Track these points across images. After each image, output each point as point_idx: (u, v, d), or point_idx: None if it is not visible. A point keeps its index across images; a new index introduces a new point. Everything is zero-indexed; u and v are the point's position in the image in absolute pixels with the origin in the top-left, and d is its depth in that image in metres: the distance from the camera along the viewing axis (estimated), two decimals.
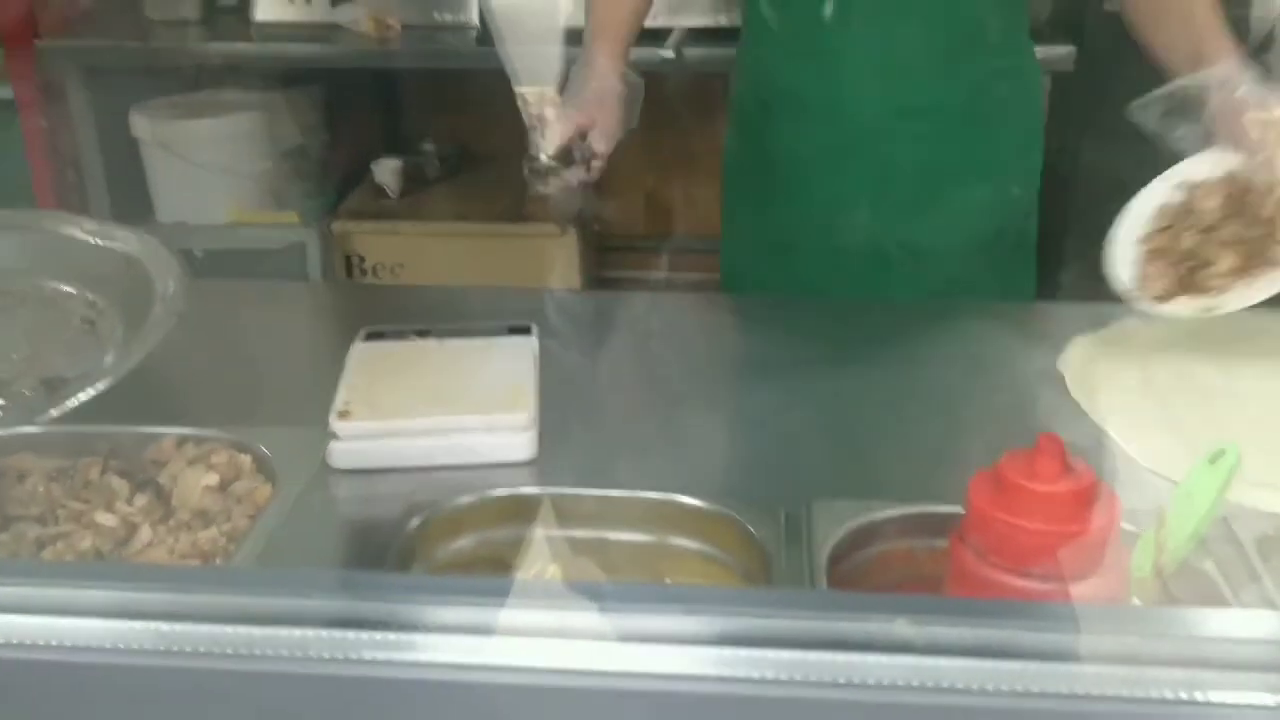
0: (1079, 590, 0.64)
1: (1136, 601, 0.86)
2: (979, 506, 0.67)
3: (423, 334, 1.26)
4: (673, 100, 3.65)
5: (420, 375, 1.19)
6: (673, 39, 2.85)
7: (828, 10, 1.47)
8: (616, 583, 1.01)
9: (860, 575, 0.96)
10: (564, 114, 1.43)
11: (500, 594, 0.64)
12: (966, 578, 0.67)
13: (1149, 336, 1.36)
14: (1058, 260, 2.97)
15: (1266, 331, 1.35)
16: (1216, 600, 0.92)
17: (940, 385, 1.31)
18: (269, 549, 0.94)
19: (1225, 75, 1.32)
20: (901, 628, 0.49)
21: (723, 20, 2.94)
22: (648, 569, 1.07)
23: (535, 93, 1.38)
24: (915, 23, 1.46)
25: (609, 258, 3.76)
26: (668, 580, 1.06)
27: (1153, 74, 1.49)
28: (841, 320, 1.49)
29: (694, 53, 2.84)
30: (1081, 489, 0.65)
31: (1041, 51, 1.68)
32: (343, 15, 2.99)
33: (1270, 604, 0.91)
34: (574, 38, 1.54)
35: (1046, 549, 0.64)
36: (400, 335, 1.26)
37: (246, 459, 1.07)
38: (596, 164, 1.46)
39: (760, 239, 1.64)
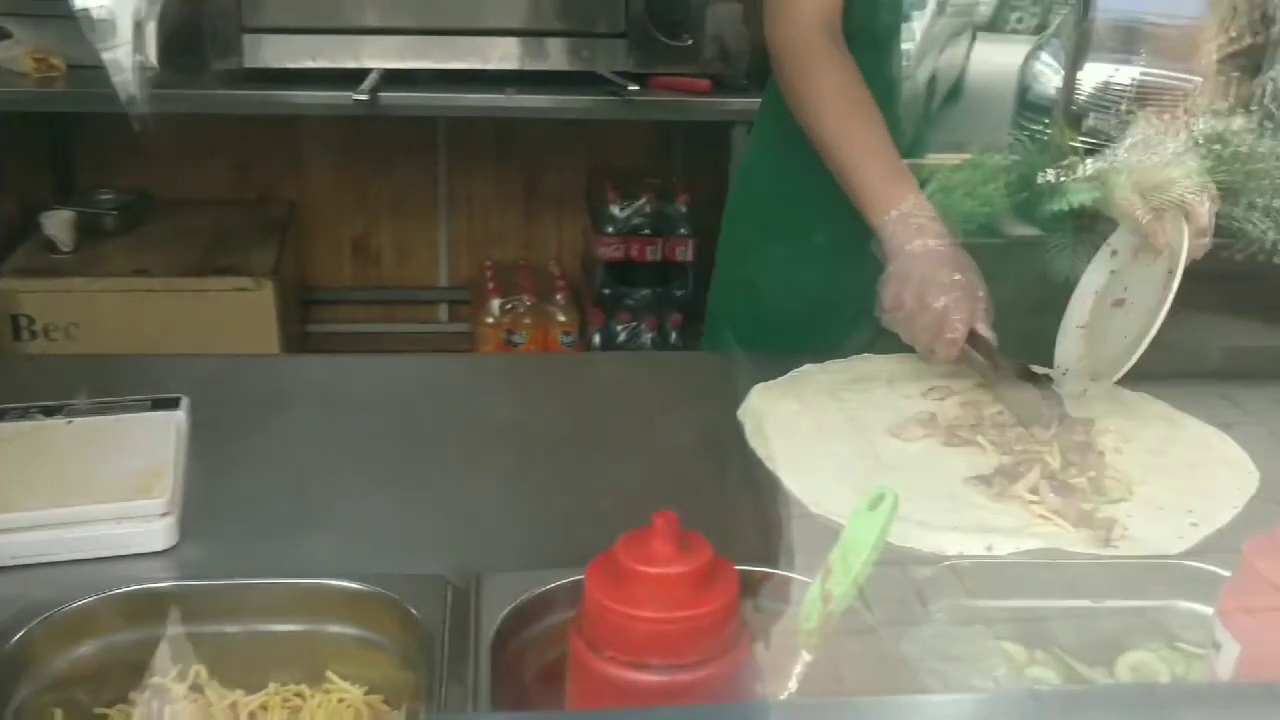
0: (700, 676, 0.60)
1: (807, 656, 0.84)
2: (592, 595, 0.62)
3: (49, 412, 1.13)
4: (377, 144, 3.56)
5: (42, 460, 1.06)
6: (368, 82, 2.77)
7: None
8: None
9: (529, 653, 0.91)
10: (949, 322, 1.28)
11: None
12: (584, 674, 0.63)
13: (826, 382, 1.38)
14: None
15: (930, 373, 1.39)
16: (881, 649, 0.92)
17: (621, 439, 1.28)
18: None
19: None
20: None
21: (422, 63, 2.88)
22: (305, 661, 0.98)
23: None
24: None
25: (313, 311, 3.61)
26: (329, 673, 0.98)
27: None
28: (527, 374, 1.44)
29: (389, 96, 2.76)
30: (697, 569, 0.61)
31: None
32: None
33: (931, 650, 0.91)
34: None
35: (662, 638, 0.60)
36: (22, 415, 1.12)
37: None
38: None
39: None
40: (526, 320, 3.37)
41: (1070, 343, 1.36)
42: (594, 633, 0.63)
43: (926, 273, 1.32)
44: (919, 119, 1.79)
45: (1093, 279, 1.37)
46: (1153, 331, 1.23)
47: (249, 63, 2.77)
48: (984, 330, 1.31)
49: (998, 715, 0.78)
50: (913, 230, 1.35)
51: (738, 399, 1.33)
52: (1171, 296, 1.24)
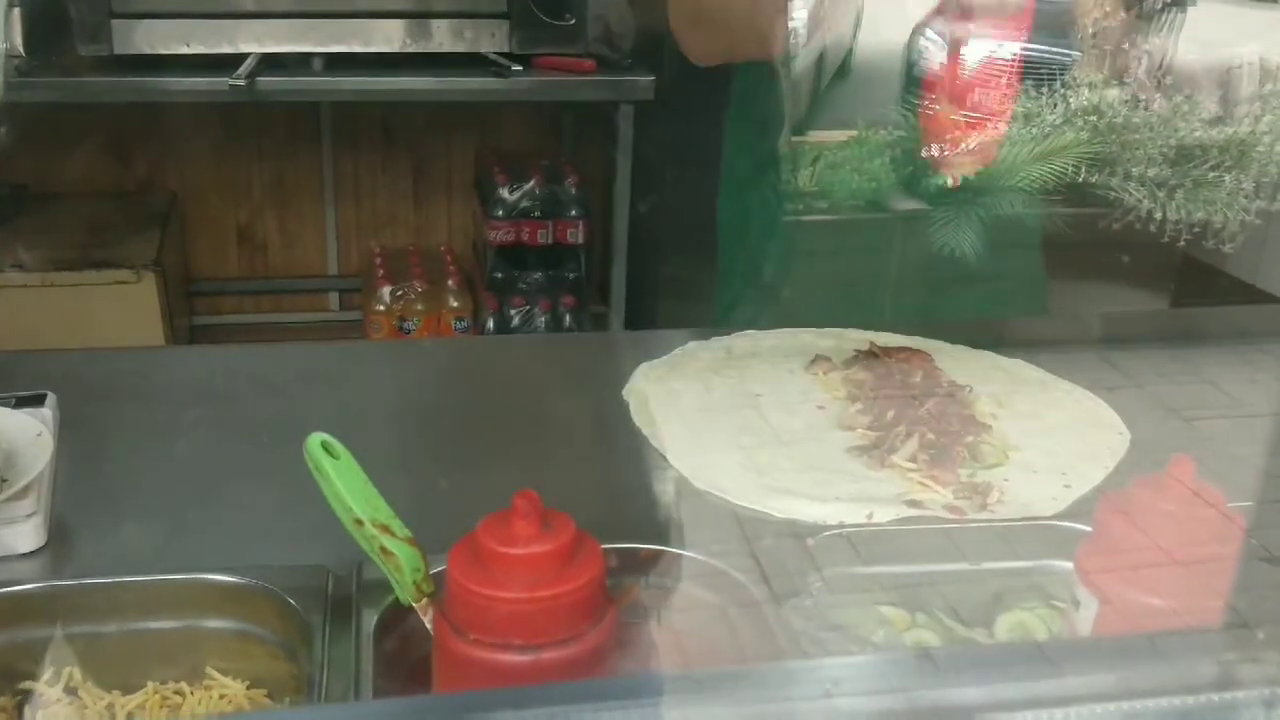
0: (565, 654, 0.60)
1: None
2: (454, 578, 0.62)
3: None
4: (260, 131, 3.48)
5: None
6: (244, 67, 2.70)
7: None
8: None
9: (412, 641, 0.89)
10: None
11: None
12: (449, 657, 0.63)
13: (709, 359, 1.39)
14: (653, 283, 3.06)
15: (814, 346, 1.41)
16: (763, 620, 0.93)
17: (508, 422, 1.28)
18: None
19: None
20: None
21: (301, 47, 2.82)
22: (184, 658, 0.96)
23: None
24: None
25: (199, 303, 3.53)
26: (208, 669, 0.96)
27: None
28: (411, 360, 1.43)
29: (267, 81, 2.70)
30: (558, 547, 0.61)
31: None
32: None
33: (813, 619, 0.93)
34: None
35: (524, 618, 0.60)
36: None
37: None
38: None
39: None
40: (419, 306, 3.33)
41: None
42: (458, 615, 0.63)
43: None
44: (807, 96, 1.81)
45: None
46: None
47: (119, 49, 2.69)
48: None
49: (883, 677, 0.80)
50: None
51: (624, 379, 1.34)
52: None
